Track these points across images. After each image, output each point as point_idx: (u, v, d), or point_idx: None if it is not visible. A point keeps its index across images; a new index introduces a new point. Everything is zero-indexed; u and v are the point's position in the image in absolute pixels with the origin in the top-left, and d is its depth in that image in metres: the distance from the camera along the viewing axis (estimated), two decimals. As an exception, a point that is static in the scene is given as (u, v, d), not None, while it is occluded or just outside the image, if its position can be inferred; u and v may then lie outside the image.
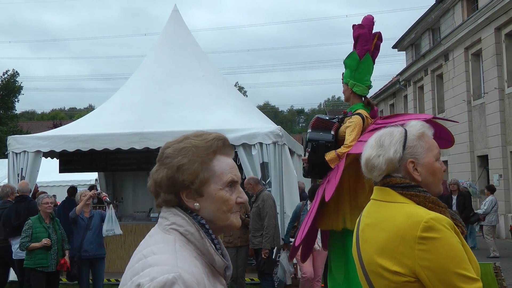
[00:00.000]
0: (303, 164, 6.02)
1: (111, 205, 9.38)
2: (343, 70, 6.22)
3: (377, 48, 6.07)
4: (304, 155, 6.01)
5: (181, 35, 14.64)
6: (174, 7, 15.13)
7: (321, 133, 5.86)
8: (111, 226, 9.17)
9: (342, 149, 5.64)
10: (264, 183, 10.83)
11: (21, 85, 41.52)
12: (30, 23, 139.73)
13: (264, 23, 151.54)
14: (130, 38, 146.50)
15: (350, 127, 5.76)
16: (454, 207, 12.88)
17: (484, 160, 22.09)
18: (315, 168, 5.83)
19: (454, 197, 13.57)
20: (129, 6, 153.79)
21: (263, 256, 9.27)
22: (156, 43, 15.06)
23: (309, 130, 5.91)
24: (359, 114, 5.89)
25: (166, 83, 13.32)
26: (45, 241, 8.57)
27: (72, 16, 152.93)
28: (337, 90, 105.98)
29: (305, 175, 6.18)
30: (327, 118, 6.08)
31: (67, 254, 8.97)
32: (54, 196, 13.10)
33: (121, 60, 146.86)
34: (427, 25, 28.85)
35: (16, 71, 41.17)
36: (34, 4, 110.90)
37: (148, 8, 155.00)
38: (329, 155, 5.68)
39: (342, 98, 6.65)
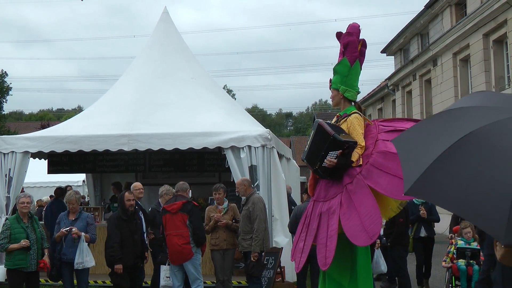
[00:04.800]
0: (323, 162, 5.54)
1: (82, 237, 8.96)
2: (331, 74, 6.18)
3: (362, 55, 6.05)
4: (321, 150, 5.58)
5: (171, 37, 14.65)
6: (164, 9, 15.14)
7: (343, 134, 5.70)
8: (82, 258, 8.87)
9: (359, 151, 5.55)
10: (252, 186, 10.84)
11: (10, 86, 41.17)
12: (10, 19, 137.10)
13: (253, 26, 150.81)
14: (116, 39, 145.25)
15: (356, 128, 5.70)
16: None
17: (471, 165, 22.19)
18: (336, 170, 5.55)
19: None
20: (112, 2, 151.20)
21: (252, 259, 9.27)
22: (146, 45, 15.06)
23: (333, 133, 5.57)
24: (356, 113, 5.87)
25: (155, 85, 13.33)
26: (24, 242, 8.52)
27: (53, 12, 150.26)
28: (325, 94, 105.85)
29: (324, 177, 5.70)
30: (329, 122, 5.98)
31: (46, 253, 8.91)
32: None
33: (108, 60, 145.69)
34: (415, 30, 28.99)
35: (5, 72, 40.86)
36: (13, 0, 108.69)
37: (131, 4, 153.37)
38: (354, 157, 5.55)
39: (330, 102, 6.59)
